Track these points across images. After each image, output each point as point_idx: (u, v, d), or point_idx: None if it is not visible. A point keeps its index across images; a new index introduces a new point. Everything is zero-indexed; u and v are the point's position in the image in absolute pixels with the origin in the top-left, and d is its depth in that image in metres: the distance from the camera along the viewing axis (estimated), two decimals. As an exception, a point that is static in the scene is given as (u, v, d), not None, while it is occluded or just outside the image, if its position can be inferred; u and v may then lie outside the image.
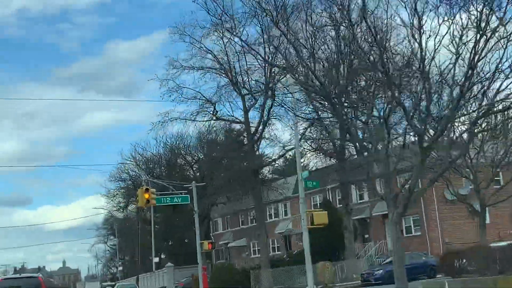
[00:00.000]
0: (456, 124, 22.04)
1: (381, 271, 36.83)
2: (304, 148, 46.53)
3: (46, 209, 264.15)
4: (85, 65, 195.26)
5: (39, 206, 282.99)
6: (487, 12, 17.34)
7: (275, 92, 39.68)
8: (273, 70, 39.94)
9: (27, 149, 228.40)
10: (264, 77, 41.12)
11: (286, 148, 41.86)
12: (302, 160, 45.85)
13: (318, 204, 55.34)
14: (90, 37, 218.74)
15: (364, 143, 21.11)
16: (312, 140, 44.23)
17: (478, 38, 17.51)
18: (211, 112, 43.07)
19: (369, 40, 19.42)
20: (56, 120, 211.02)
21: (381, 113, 21.39)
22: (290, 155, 50.04)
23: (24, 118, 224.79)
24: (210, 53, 42.06)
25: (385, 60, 19.07)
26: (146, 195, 32.61)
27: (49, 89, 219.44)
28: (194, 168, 65.20)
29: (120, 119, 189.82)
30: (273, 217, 64.51)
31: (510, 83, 18.19)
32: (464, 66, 18.25)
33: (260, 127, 41.61)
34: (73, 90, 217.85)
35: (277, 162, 44.75)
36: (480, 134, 33.22)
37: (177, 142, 67.14)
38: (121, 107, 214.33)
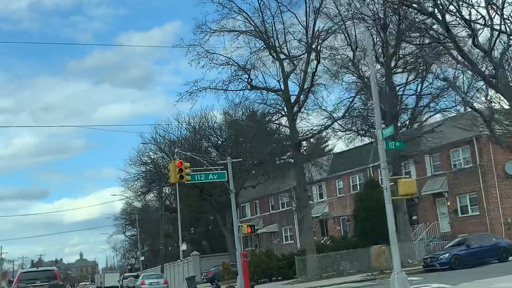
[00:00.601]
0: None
1: (447, 255, 32.20)
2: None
3: (63, 202, 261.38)
4: (99, 58, 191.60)
5: (56, 199, 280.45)
6: None
7: (320, 53, 34.90)
8: (317, 28, 35.30)
9: (44, 142, 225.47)
10: (306, 37, 36.29)
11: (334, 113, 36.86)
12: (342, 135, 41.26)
13: (358, 185, 50.61)
14: (104, 29, 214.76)
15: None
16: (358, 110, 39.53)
17: None
18: (246, 80, 38.19)
19: None
20: (73, 113, 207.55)
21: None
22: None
23: (41, 111, 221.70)
24: (242, 13, 37.35)
25: None
26: (179, 170, 28.07)
27: (64, 82, 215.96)
28: (220, 150, 60.57)
29: (136, 111, 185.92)
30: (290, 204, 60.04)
31: None
32: None
33: (302, 96, 36.80)
34: (88, 83, 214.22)
35: (320, 134, 39.61)
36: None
37: (201, 123, 62.78)
38: (136, 99, 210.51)
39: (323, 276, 35.75)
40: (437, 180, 45.31)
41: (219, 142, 62.13)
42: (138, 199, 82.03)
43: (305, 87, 37.00)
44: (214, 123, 61.15)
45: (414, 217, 46.42)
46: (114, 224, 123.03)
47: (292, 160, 37.94)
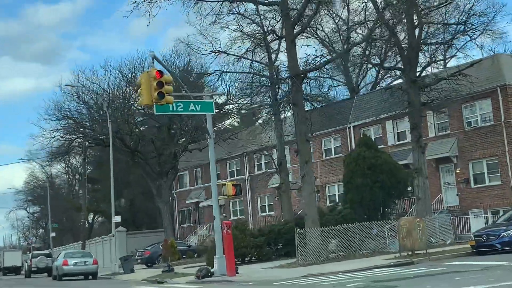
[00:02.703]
0: None
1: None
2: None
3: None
4: (1, 29, 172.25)
5: None
6: None
7: None
8: None
9: None
10: None
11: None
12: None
13: (353, 143, 41.05)
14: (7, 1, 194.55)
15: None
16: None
17: None
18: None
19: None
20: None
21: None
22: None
23: None
24: None
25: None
26: (157, 84, 17.48)
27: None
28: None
29: (40, 87, 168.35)
30: (260, 167, 49.97)
31: None
32: None
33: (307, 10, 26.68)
34: None
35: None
36: None
37: (135, 72, 51.59)
38: (40, 74, 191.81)
39: (331, 258, 26.15)
40: (444, 142, 36.76)
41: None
42: (54, 162, 69.21)
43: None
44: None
45: (410, 188, 37.40)
46: (15, 200, 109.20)
47: (290, 99, 27.61)
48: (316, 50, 40.77)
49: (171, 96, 18.46)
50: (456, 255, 24.28)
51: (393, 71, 35.15)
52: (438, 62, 32.89)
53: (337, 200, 41.71)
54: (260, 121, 54.00)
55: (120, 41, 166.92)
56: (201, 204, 54.42)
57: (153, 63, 18.71)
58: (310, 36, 41.34)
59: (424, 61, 30.90)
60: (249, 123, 59.14)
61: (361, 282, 16.98)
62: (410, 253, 24.63)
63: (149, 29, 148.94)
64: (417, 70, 30.22)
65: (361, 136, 36.74)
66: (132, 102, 52.17)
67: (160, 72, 17.79)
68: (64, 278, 35.96)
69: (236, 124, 62.00)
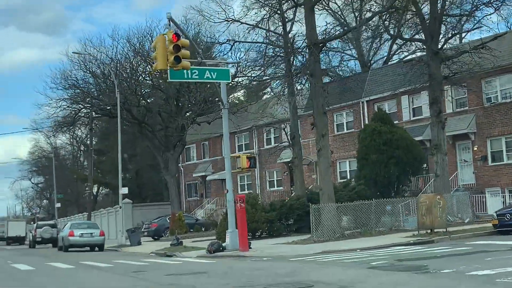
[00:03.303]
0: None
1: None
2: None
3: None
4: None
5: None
6: None
7: None
8: None
9: None
10: None
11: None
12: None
13: (367, 118, 39.94)
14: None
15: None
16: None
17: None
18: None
19: None
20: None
21: None
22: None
23: None
24: None
25: None
26: (174, 48, 16.44)
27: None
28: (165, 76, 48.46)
29: (45, 58, 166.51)
30: (269, 141, 49.01)
31: None
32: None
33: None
34: None
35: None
36: None
37: (143, 42, 50.46)
38: (45, 45, 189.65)
39: (346, 235, 25.30)
40: (461, 118, 35.70)
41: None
42: (59, 133, 68.37)
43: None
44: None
45: (424, 165, 36.45)
46: (19, 170, 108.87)
47: (307, 70, 26.49)
48: (327, 23, 39.50)
49: (188, 61, 17.45)
50: (477, 234, 23.46)
51: (412, 43, 33.84)
52: (460, 35, 31.56)
53: (348, 176, 40.85)
54: (268, 95, 53.07)
55: (125, 13, 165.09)
56: (208, 178, 53.61)
57: (169, 25, 17.70)
58: (322, 8, 40.19)
59: (446, 33, 29.69)
60: (258, 97, 58.15)
61: (384, 260, 16.13)
62: (429, 231, 23.80)
63: (154, 2, 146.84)
64: (439, 42, 29.04)
65: (375, 111, 35.71)
66: (140, 73, 51.12)
67: (177, 35, 16.75)
68: (70, 249, 35.26)
69: (242, 98, 60.94)
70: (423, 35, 29.93)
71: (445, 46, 29.95)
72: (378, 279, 11.99)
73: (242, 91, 60.99)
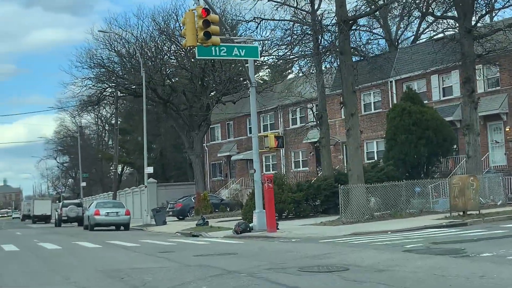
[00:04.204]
0: None
1: None
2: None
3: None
4: None
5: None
6: None
7: None
8: None
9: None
10: None
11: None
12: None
13: (395, 98, 39.18)
14: None
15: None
16: None
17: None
18: None
19: None
20: (1, 37, 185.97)
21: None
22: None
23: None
24: None
25: None
26: (204, 23, 15.97)
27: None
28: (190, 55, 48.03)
29: (71, 38, 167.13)
30: (295, 122, 48.43)
31: None
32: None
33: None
34: (19, 4, 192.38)
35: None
36: None
37: (168, 20, 50.11)
38: (71, 25, 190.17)
39: (375, 216, 24.83)
40: (493, 98, 34.81)
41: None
42: (84, 112, 68.53)
43: None
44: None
45: (454, 146, 35.66)
46: (45, 149, 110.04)
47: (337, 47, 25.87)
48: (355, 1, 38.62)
49: (217, 37, 17.00)
50: (511, 217, 22.81)
51: (444, 21, 32.93)
52: (494, 12, 30.64)
53: (375, 157, 40.24)
54: (294, 74, 52.42)
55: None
56: (232, 158, 53.32)
57: (198, 0, 17.24)
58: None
59: (479, 10, 28.81)
60: (282, 76, 57.49)
61: (418, 243, 15.65)
62: (461, 213, 23.23)
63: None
64: (472, 19, 28.17)
65: (405, 90, 34.95)
66: (165, 52, 50.84)
67: (207, 10, 16.30)
68: (95, 228, 35.30)
69: (266, 78, 60.41)
70: (455, 12, 29.05)
71: (478, 23, 29.00)
72: (416, 263, 11.54)
73: (266, 71, 60.49)
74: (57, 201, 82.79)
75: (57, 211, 51.97)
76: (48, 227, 49.53)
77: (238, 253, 15.28)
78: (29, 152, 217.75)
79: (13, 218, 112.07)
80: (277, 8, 29.80)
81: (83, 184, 74.55)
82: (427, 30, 47.34)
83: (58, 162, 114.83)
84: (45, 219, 65.86)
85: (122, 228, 35.78)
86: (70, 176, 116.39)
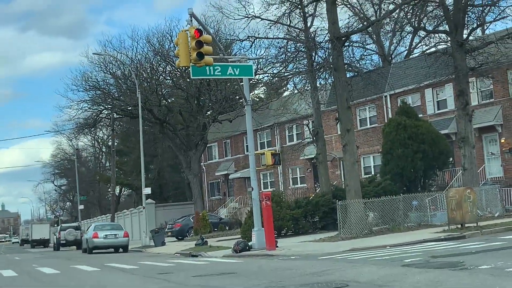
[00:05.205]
0: None
1: None
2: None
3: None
4: (28, 2, 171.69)
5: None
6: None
7: None
8: None
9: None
10: None
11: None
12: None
13: (390, 113, 39.36)
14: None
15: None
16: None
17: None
18: None
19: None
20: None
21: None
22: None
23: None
24: None
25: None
26: (196, 44, 16.12)
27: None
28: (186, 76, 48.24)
29: (67, 61, 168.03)
30: (292, 138, 48.52)
31: None
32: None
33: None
34: (14, 29, 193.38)
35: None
36: None
37: (162, 41, 50.38)
38: (67, 48, 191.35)
39: (374, 231, 24.84)
40: (487, 110, 35.00)
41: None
42: (81, 135, 68.54)
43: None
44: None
45: (450, 159, 35.76)
46: (42, 173, 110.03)
47: (330, 64, 26.05)
48: (349, 17, 38.94)
49: (210, 57, 17.15)
50: (509, 229, 22.75)
51: (436, 35, 33.22)
52: (485, 25, 30.91)
53: (372, 172, 40.32)
54: (289, 91, 52.63)
55: (145, 15, 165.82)
56: (230, 176, 53.36)
57: (191, 21, 17.39)
58: (341, 3, 39.70)
59: (470, 23, 29.07)
60: (278, 94, 57.71)
61: (418, 257, 15.65)
62: (459, 226, 23.26)
63: (175, 3, 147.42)
64: (464, 33, 28.42)
65: (399, 105, 35.13)
66: (160, 73, 51.08)
67: (199, 30, 16.46)
68: (94, 251, 35.19)
69: (262, 96, 60.65)
70: (447, 26, 29.29)
71: (469, 37, 29.25)
72: (415, 278, 11.55)
73: (262, 89, 60.73)
74: (55, 225, 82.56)
75: (55, 235, 51.78)
76: (47, 251, 49.32)
77: (237, 272, 15.27)
78: (27, 176, 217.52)
79: (12, 243, 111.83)
80: (271, 26, 30.06)
81: (81, 207, 74.36)
82: (420, 44, 47.69)
83: (55, 186, 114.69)
84: (43, 243, 65.59)
85: (121, 250, 35.67)
86: (68, 199, 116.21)
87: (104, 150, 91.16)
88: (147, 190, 38.82)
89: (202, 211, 43.70)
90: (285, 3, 30.80)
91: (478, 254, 15.33)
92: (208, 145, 54.99)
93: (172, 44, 48.12)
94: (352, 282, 11.46)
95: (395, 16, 32.02)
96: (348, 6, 43.97)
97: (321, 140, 32.54)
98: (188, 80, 48.79)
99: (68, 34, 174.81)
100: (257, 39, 32.07)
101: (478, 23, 29.58)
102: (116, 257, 29.04)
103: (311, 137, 34.71)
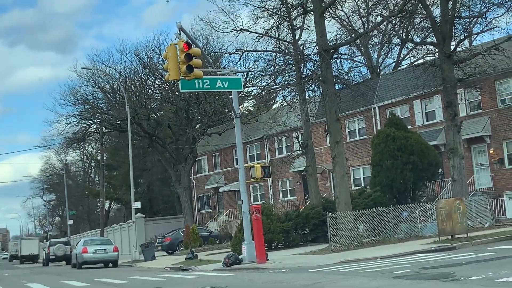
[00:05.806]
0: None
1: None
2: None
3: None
4: (17, 18, 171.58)
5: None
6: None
7: None
8: None
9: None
10: None
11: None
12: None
13: (379, 124, 39.44)
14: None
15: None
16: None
17: None
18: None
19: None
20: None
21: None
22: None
23: None
24: None
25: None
26: (186, 57, 16.13)
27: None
28: (174, 89, 48.22)
29: (56, 76, 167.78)
30: (281, 151, 48.50)
31: None
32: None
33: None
34: (2, 44, 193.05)
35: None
36: None
37: (151, 55, 50.40)
38: (56, 63, 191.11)
39: (364, 243, 24.82)
40: (475, 121, 35.19)
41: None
42: (69, 149, 68.28)
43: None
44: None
45: (440, 170, 35.89)
46: (31, 188, 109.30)
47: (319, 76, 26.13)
48: (337, 29, 39.17)
49: (200, 70, 17.16)
50: (499, 239, 22.83)
51: (424, 47, 33.44)
52: (473, 36, 31.15)
53: (362, 184, 40.36)
54: (278, 104, 52.74)
55: (134, 29, 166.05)
56: (220, 189, 53.23)
57: (179, 34, 17.40)
58: (329, 16, 39.95)
59: (457, 35, 29.30)
60: (267, 106, 57.82)
61: (408, 268, 15.63)
62: (450, 237, 23.29)
63: (163, 17, 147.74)
64: (451, 44, 28.62)
65: (388, 116, 35.24)
66: (149, 87, 51.05)
67: (188, 43, 16.47)
68: (84, 266, 34.91)
69: (251, 109, 60.75)
70: (434, 38, 29.49)
71: (457, 48, 29.45)
72: (406, 289, 11.53)
73: (251, 102, 60.80)
74: (45, 240, 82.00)
75: (44, 250, 51.39)
76: (36, 267, 48.85)
77: (228, 286, 15.19)
78: (16, 192, 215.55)
79: (2, 258, 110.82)
80: (259, 39, 30.18)
81: (70, 222, 73.92)
82: (408, 56, 48.03)
83: (44, 201, 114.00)
84: (32, 258, 65.04)
85: (110, 265, 35.42)
86: (57, 214, 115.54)
87: (93, 164, 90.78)
88: (136, 204, 38.66)
89: (192, 224, 43.52)
90: (273, 16, 30.93)
91: (469, 265, 15.33)
92: (197, 159, 54.91)
93: (161, 57, 48.13)
94: (343, 294, 11.42)
95: (383, 28, 32.18)
96: (336, 18, 44.31)
97: (311, 152, 32.56)
98: (177, 93, 48.79)
99: (56, 49, 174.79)
100: (246, 52, 32.13)
101: (465, 34, 29.80)
102: (106, 272, 28.82)
103: (300, 149, 34.74)
